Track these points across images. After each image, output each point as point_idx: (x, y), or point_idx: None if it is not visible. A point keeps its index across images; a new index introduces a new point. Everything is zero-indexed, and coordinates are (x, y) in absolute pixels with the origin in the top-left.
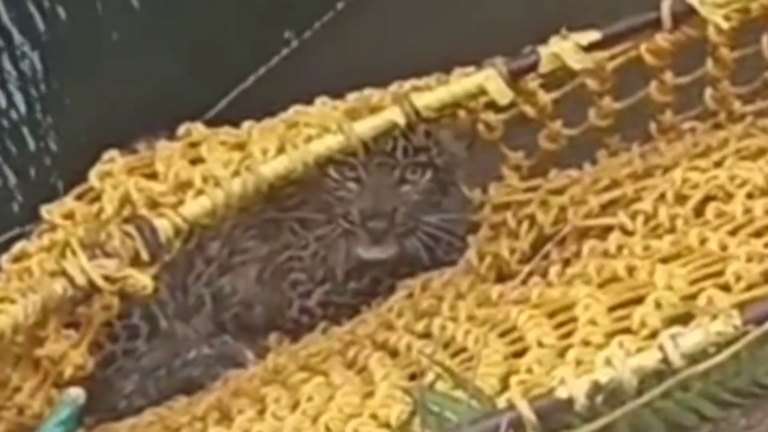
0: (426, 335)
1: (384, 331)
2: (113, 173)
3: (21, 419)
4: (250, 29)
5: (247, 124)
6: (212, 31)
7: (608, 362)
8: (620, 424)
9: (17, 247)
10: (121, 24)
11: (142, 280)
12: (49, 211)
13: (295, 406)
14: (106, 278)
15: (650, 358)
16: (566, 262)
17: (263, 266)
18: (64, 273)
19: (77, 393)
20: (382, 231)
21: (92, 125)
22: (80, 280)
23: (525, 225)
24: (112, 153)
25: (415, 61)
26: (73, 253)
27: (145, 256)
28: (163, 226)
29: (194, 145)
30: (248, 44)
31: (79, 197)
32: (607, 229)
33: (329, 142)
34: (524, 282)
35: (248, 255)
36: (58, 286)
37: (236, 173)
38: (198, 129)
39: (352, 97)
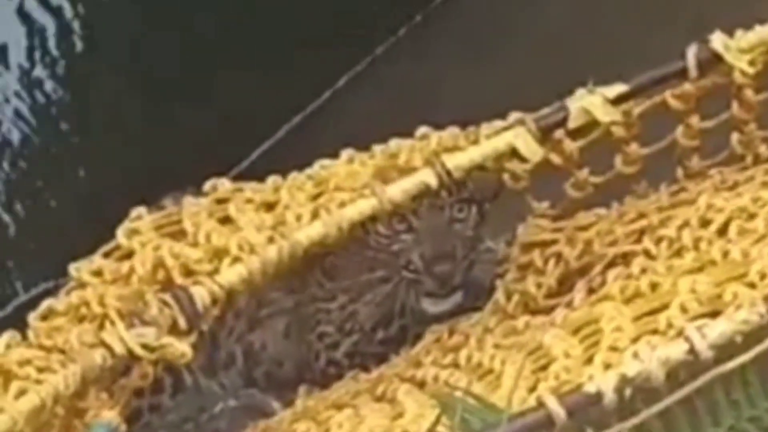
0: (453, 366)
1: (412, 368)
2: (141, 231)
3: None
4: (281, 82)
5: (271, 180)
6: (242, 84)
7: (635, 355)
8: None
9: (45, 305)
10: (147, 76)
11: (181, 348)
12: (78, 269)
13: None
14: (145, 347)
15: (677, 350)
16: (591, 291)
17: (290, 319)
18: (102, 343)
19: (110, 416)
20: (449, 273)
21: (118, 181)
22: (119, 349)
23: (552, 262)
24: (140, 210)
25: (444, 111)
26: (112, 322)
27: (183, 324)
28: (201, 294)
29: (221, 201)
30: (279, 96)
31: (107, 255)
32: (632, 258)
33: (362, 207)
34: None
35: (275, 307)
36: (98, 355)
37: (271, 239)
38: (224, 184)
39: (378, 149)
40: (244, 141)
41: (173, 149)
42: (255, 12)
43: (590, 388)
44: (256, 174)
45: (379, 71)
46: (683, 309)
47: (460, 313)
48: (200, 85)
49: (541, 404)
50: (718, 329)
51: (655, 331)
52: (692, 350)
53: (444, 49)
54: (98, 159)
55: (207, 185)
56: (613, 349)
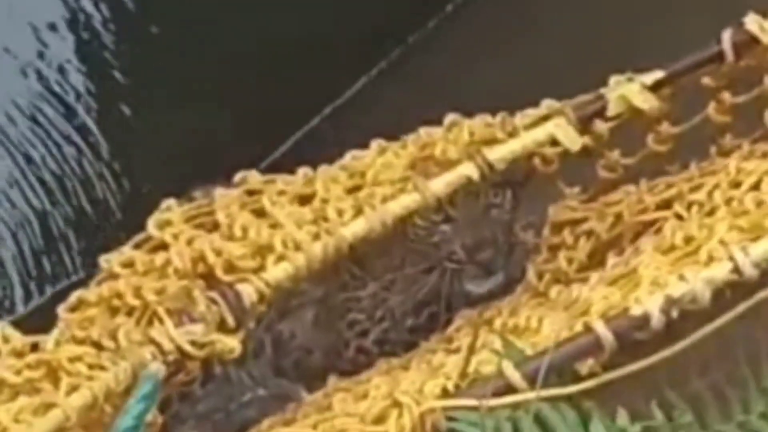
0: (489, 332)
1: (445, 343)
2: (172, 222)
3: None
4: (311, 73)
5: (302, 171)
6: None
7: (681, 278)
8: None
9: (74, 296)
10: (174, 71)
11: (230, 343)
12: (108, 260)
13: (363, 397)
14: (194, 343)
15: (722, 270)
16: None
17: (320, 308)
18: (152, 341)
19: (157, 367)
20: (491, 259)
21: (149, 173)
22: (168, 346)
23: (583, 239)
24: (170, 201)
25: (475, 101)
26: (160, 320)
27: (230, 321)
28: (248, 292)
29: (252, 193)
30: (308, 88)
31: (137, 246)
32: (663, 225)
33: (405, 201)
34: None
35: (305, 297)
36: (147, 353)
37: (316, 236)
38: (254, 176)
39: (409, 139)
40: (274, 133)
41: (200, 141)
42: (286, 4)
43: (637, 310)
44: (288, 165)
45: (411, 62)
46: (723, 242)
47: (493, 298)
48: (226, 78)
49: (588, 329)
50: (762, 247)
51: (696, 263)
52: (736, 269)
53: (475, 39)
54: (125, 148)
55: (237, 177)
56: (656, 284)
